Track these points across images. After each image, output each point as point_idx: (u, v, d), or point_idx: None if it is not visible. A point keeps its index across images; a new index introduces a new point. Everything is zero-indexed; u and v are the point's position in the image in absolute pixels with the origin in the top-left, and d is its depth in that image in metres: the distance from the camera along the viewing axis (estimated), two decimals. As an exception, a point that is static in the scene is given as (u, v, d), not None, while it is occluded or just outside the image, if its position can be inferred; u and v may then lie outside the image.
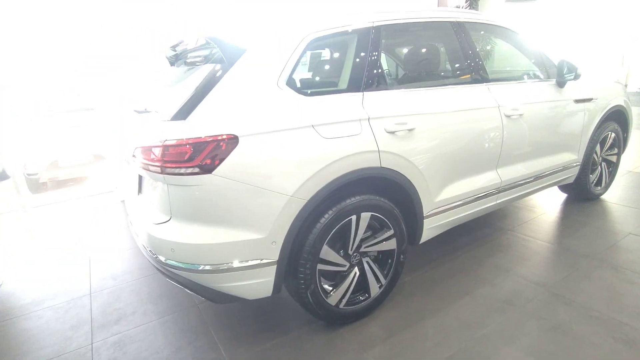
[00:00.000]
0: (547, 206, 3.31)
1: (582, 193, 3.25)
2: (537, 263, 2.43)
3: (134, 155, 1.74)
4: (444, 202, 2.17)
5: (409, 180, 1.97)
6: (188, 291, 1.74)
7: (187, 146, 1.52)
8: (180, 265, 1.64)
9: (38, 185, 5.84)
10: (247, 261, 1.62)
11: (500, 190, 2.46)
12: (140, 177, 1.96)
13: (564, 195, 3.47)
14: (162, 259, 1.67)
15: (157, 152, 1.56)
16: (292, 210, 1.64)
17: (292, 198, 1.62)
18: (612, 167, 3.40)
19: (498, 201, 2.50)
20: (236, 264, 1.61)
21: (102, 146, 4.45)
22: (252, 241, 1.60)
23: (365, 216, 1.87)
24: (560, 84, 2.70)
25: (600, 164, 3.25)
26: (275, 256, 1.65)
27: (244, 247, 1.60)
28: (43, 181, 5.83)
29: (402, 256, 2.06)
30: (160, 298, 2.31)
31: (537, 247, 2.63)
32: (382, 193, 1.95)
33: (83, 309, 2.25)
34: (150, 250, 1.73)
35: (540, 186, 2.78)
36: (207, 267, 1.60)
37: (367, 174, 1.82)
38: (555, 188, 3.32)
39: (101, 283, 2.54)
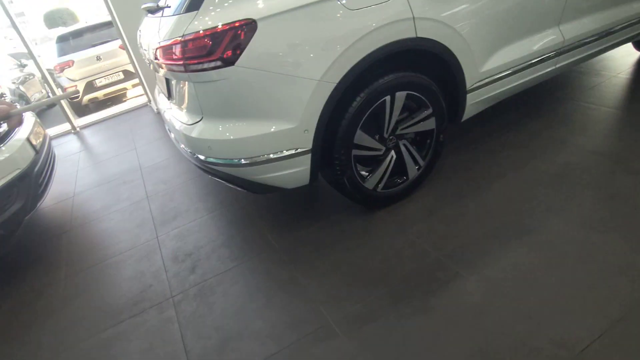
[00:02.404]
0: (617, 67, 2.87)
1: (664, 48, 2.75)
2: (598, 132, 2.20)
3: (156, 58, 1.67)
4: (491, 71, 1.93)
5: (450, 50, 1.74)
6: (231, 186, 1.82)
7: (205, 39, 1.41)
8: (220, 161, 1.67)
9: (81, 107, 6.17)
10: (282, 152, 1.61)
11: (561, 52, 2.12)
12: (167, 81, 1.92)
13: (638, 54, 2.97)
14: (202, 157, 1.71)
15: (177, 49, 1.48)
16: (321, 95, 1.54)
17: (321, 82, 1.51)
18: None
19: (557, 65, 2.19)
20: (272, 155, 1.61)
21: (129, 61, 4.43)
22: (284, 131, 1.56)
23: (401, 96, 1.72)
24: None
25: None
26: (309, 145, 1.62)
27: (277, 138, 1.58)
28: (85, 104, 6.14)
29: (441, 136, 1.94)
30: (207, 196, 2.47)
31: (600, 114, 2.36)
32: (419, 68, 1.75)
33: (144, 210, 2.49)
34: (189, 151, 1.77)
35: (610, 44, 2.36)
36: (245, 161, 1.62)
37: (401, 47, 1.61)
38: (629, 45, 2.83)
39: (154, 187, 2.76)
